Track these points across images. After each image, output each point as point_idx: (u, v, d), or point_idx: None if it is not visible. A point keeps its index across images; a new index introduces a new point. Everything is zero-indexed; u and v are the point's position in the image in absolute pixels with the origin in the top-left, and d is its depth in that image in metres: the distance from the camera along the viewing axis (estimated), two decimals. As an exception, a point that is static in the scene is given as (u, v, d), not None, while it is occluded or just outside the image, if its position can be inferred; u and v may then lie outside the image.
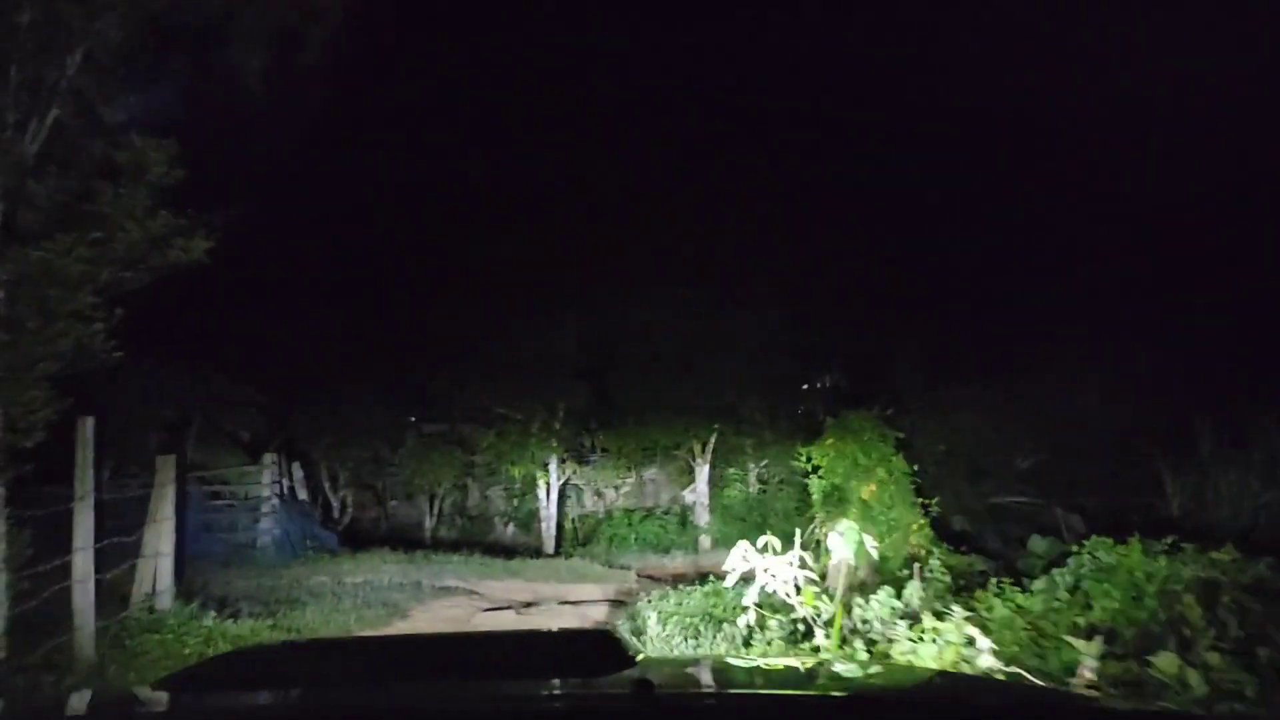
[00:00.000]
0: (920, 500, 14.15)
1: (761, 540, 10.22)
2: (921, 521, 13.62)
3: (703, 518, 25.39)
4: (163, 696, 2.77)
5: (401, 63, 24.58)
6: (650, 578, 20.16)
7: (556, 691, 2.60)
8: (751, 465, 26.85)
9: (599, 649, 3.07)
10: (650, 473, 28.01)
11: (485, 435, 26.09)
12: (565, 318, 24.59)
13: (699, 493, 25.53)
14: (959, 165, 24.75)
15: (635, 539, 24.93)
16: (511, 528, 28.68)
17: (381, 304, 27.23)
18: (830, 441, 13.87)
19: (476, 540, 27.85)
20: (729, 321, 23.82)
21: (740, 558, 9.97)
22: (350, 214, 25.95)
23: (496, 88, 26.76)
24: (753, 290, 23.97)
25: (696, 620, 11.68)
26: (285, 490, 17.99)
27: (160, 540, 11.68)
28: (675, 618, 11.83)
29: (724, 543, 25.03)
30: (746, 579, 9.96)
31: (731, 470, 26.48)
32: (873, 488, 13.21)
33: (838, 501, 13.59)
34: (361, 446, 27.11)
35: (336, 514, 27.22)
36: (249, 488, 17.24)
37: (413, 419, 27.91)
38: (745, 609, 9.95)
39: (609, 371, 25.15)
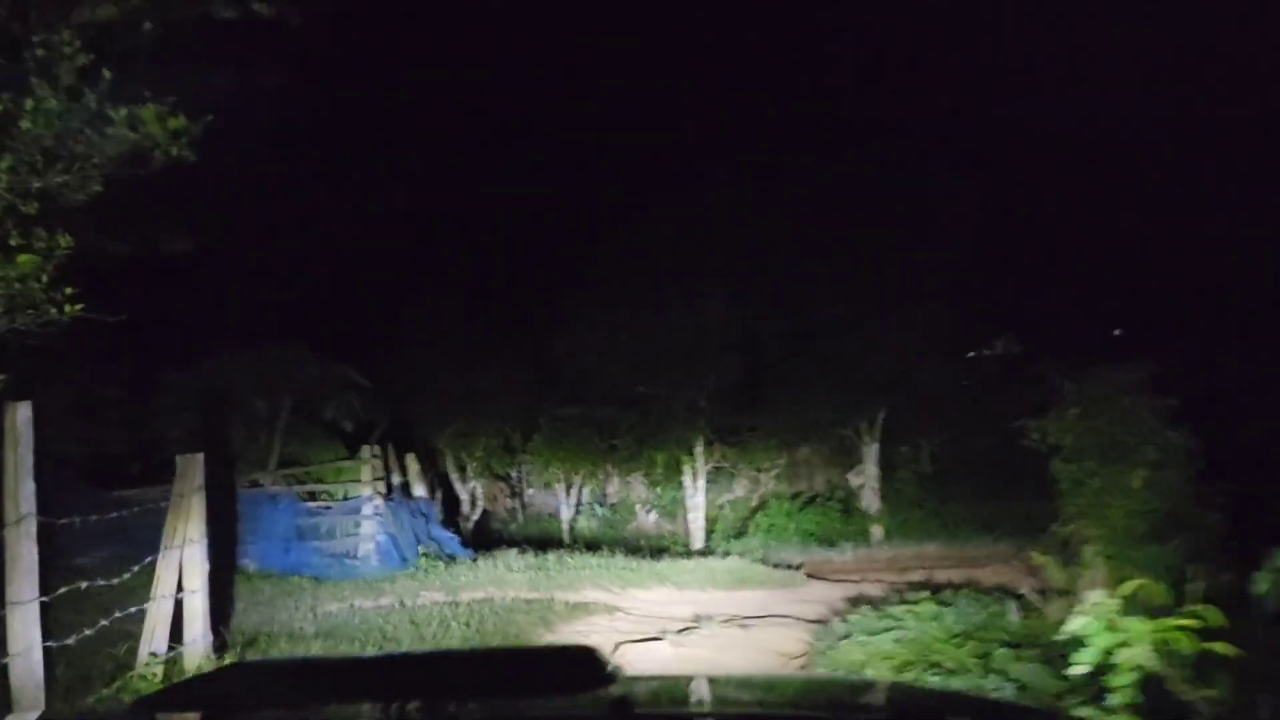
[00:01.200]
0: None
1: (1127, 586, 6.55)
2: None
3: (872, 504, 22.22)
4: (147, 716, 2.81)
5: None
6: (821, 578, 17.19)
7: (532, 711, 2.58)
8: (923, 443, 23.47)
9: (577, 665, 2.93)
10: (803, 451, 24.88)
11: (625, 417, 23.51)
12: (712, 285, 21.73)
13: (867, 475, 22.35)
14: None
15: (795, 530, 21.96)
16: (654, 515, 26.17)
17: (510, 276, 24.99)
18: (1075, 413, 10.58)
19: (617, 534, 25.59)
20: (896, 281, 20.52)
21: (1091, 623, 6.15)
22: (477, 173, 23.73)
23: (641, 39, 24.06)
24: (921, 245, 20.59)
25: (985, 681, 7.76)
26: (395, 487, 15.67)
27: (186, 572, 8.59)
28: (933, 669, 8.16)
29: (899, 534, 21.87)
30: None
31: (904, 449, 23.18)
32: (1142, 475, 9.90)
33: (1096, 495, 10.34)
34: (491, 433, 24.93)
35: (467, 508, 25.18)
36: (349, 486, 14.95)
37: (546, 402, 25.49)
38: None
39: (762, 342, 22.17)
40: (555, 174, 23.95)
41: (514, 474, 26.94)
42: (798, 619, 12.05)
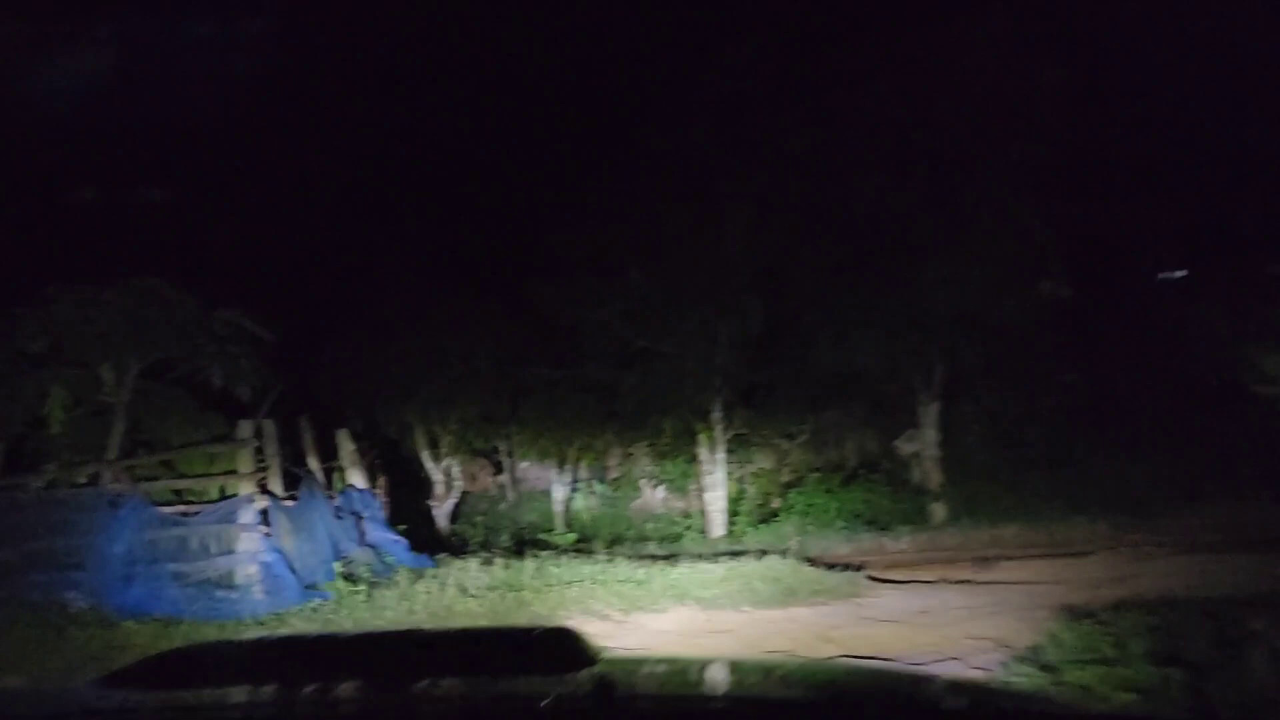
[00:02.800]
0: None
1: None
2: None
3: (931, 477, 18.11)
4: (94, 693, 2.72)
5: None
6: (886, 580, 13.16)
7: (512, 691, 2.53)
8: (992, 400, 19.29)
9: (558, 646, 2.84)
10: (830, 414, 20.70)
11: (627, 378, 19.37)
12: (731, 206, 17.47)
13: (925, 441, 18.21)
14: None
15: (837, 511, 17.87)
16: (662, 491, 22.19)
17: (487, 207, 20.78)
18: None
19: (619, 513, 21.60)
20: (963, 199, 16.27)
21: None
22: (444, 77, 19.41)
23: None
24: (995, 153, 16.32)
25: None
26: (306, 478, 11.26)
27: None
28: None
29: (966, 514, 17.84)
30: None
31: (967, 408, 19.01)
32: None
33: None
34: (469, 401, 20.75)
35: (440, 490, 21.09)
36: (227, 481, 10.57)
37: (535, 362, 21.27)
38: None
39: (792, 278, 17.94)
40: (537, 75, 19.59)
41: (500, 448, 22.88)
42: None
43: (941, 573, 14.84)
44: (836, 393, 19.52)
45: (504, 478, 23.66)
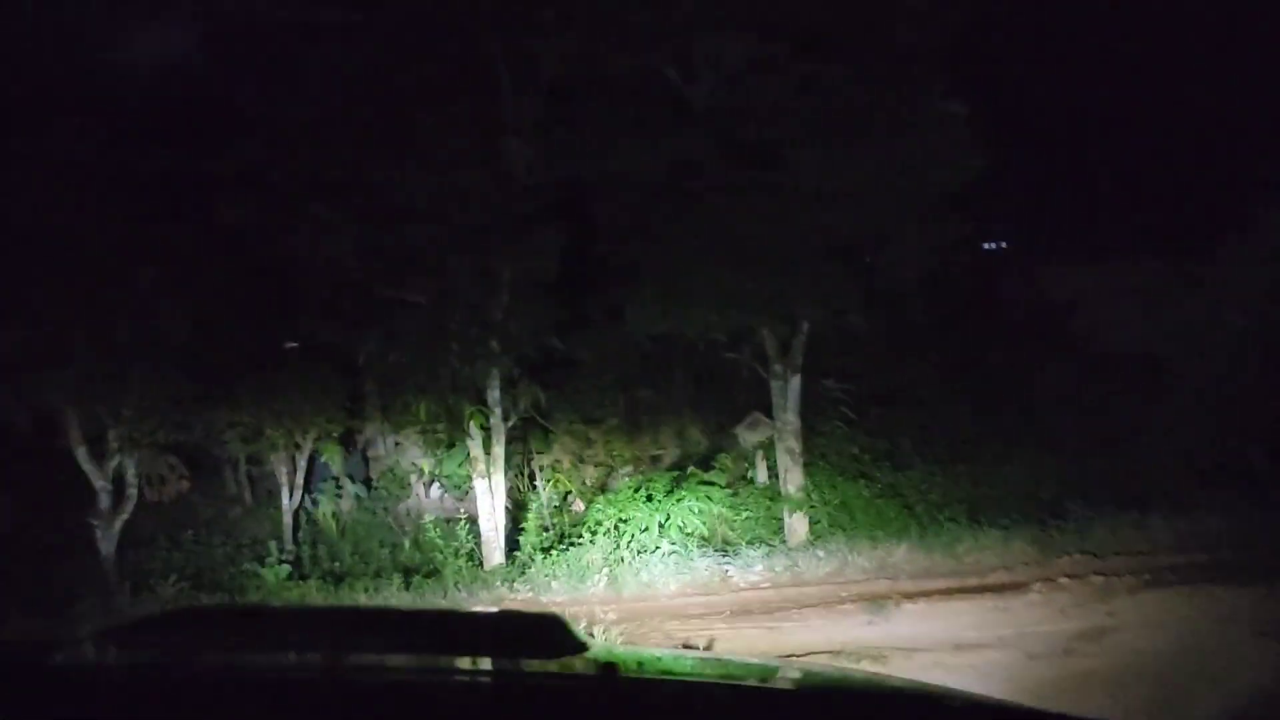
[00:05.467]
0: None
1: None
2: None
3: (792, 477, 13.17)
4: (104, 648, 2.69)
5: None
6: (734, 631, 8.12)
7: (516, 669, 2.45)
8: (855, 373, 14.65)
9: (548, 632, 2.67)
10: (645, 393, 15.63)
11: (365, 341, 13.61)
12: (509, 100, 11.95)
13: (782, 429, 13.26)
14: None
15: (666, 527, 12.69)
16: (438, 490, 16.68)
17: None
18: None
19: (377, 524, 15.87)
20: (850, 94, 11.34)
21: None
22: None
23: None
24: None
25: None
26: None
27: None
28: None
29: (839, 528, 13.09)
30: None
31: (831, 382, 14.29)
32: None
33: None
34: (150, 379, 14.29)
35: (108, 502, 14.60)
36: None
37: (238, 321, 15.04)
38: None
39: (601, 201, 12.63)
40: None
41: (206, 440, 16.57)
42: None
43: (813, 626, 9.98)
44: (661, 363, 14.48)
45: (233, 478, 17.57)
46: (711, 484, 13.62)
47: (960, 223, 11.74)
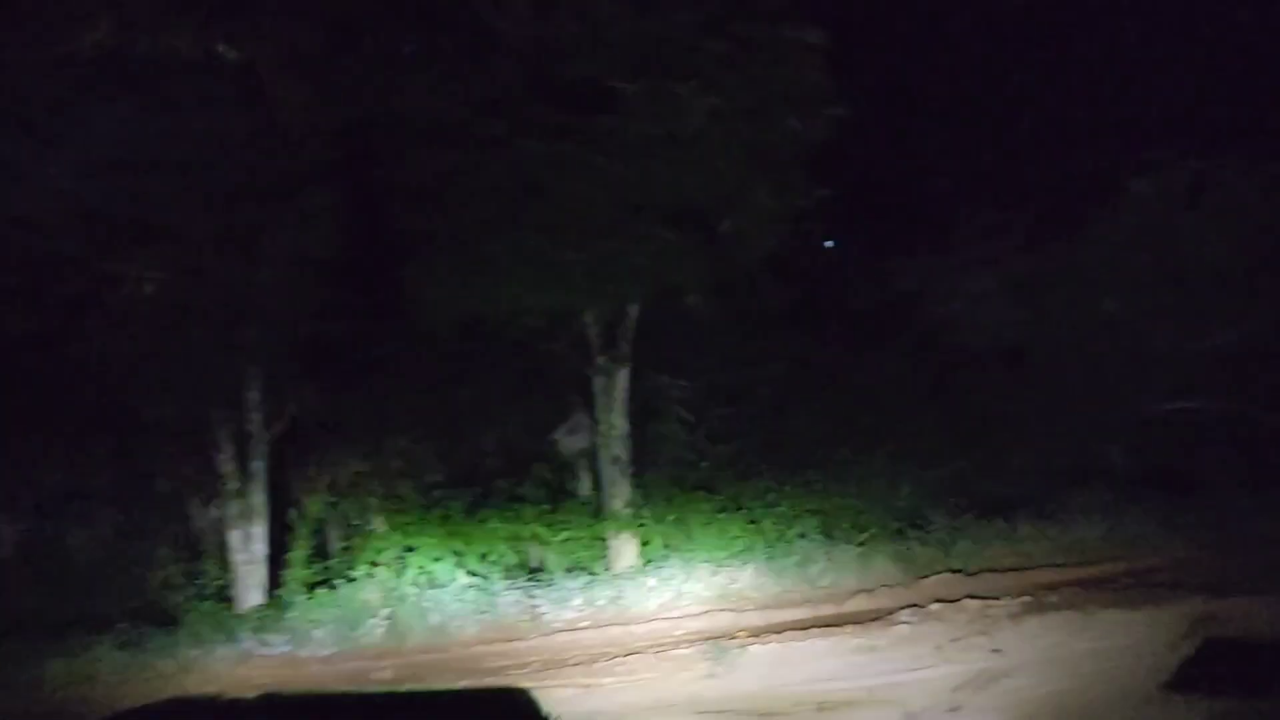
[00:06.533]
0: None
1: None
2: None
3: (618, 491, 11.08)
4: None
5: None
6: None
7: None
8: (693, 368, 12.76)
9: (512, 710, 2.90)
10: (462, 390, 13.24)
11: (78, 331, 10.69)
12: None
13: (609, 433, 11.13)
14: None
15: (465, 555, 10.35)
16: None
17: None
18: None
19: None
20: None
21: None
22: None
23: None
24: None
25: None
26: None
27: None
28: None
29: (673, 550, 11.07)
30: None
31: (666, 378, 12.33)
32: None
33: None
34: None
35: None
36: None
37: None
38: None
39: (395, 155, 10.15)
40: None
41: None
42: None
43: (640, 680, 7.89)
44: (483, 358, 12.18)
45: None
46: (522, 499, 11.40)
47: (816, 187, 9.97)
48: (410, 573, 10.04)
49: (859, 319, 16.05)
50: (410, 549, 10.27)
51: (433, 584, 9.97)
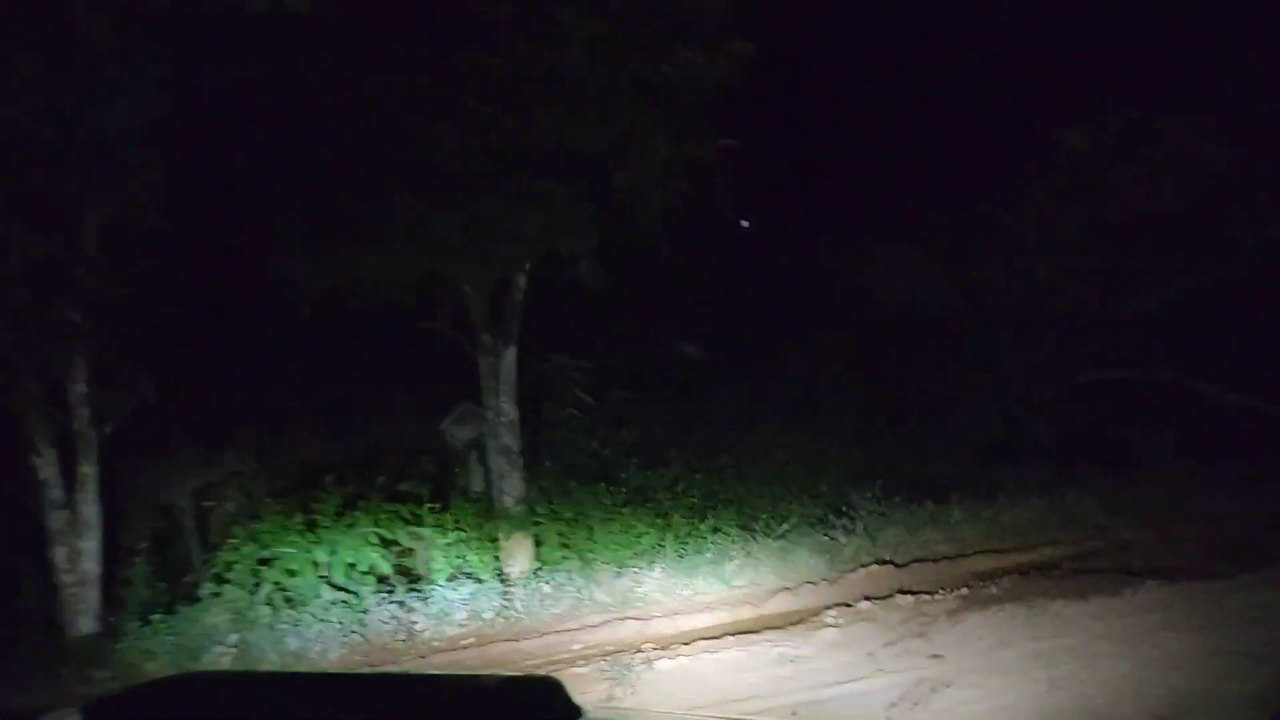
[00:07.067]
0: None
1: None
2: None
3: (509, 486, 9.79)
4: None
5: None
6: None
7: None
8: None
9: (544, 699, 2.71)
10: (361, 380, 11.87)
11: None
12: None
13: (498, 420, 9.82)
14: None
15: (333, 565, 8.97)
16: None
17: None
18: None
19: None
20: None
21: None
22: None
23: None
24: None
25: None
26: None
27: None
28: None
29: (573, 551, 9.83)
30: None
31: (563, 358, 11.11)
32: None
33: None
34: None
35: None
36: None
37: None
38: None
39: (224, 108, 8.66)
40: None
41: None
42: None
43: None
44: (343, 338, 10.85)
45: None
46: (406, 496, 10.05)
47: (720, 136, 8.80)
48: (265, 590, 8.63)
49: (778, 295, 15.08)
50: (266, 561, 8.85)
51: (291, 602, 8.59)
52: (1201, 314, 11.40)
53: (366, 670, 7.78)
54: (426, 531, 9.91)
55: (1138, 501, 10.66)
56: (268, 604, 8.52)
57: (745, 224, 18.84)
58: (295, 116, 7.87)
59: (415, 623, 8.61)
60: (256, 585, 8.72)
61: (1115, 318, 11.77)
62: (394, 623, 8.61)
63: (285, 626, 8.36)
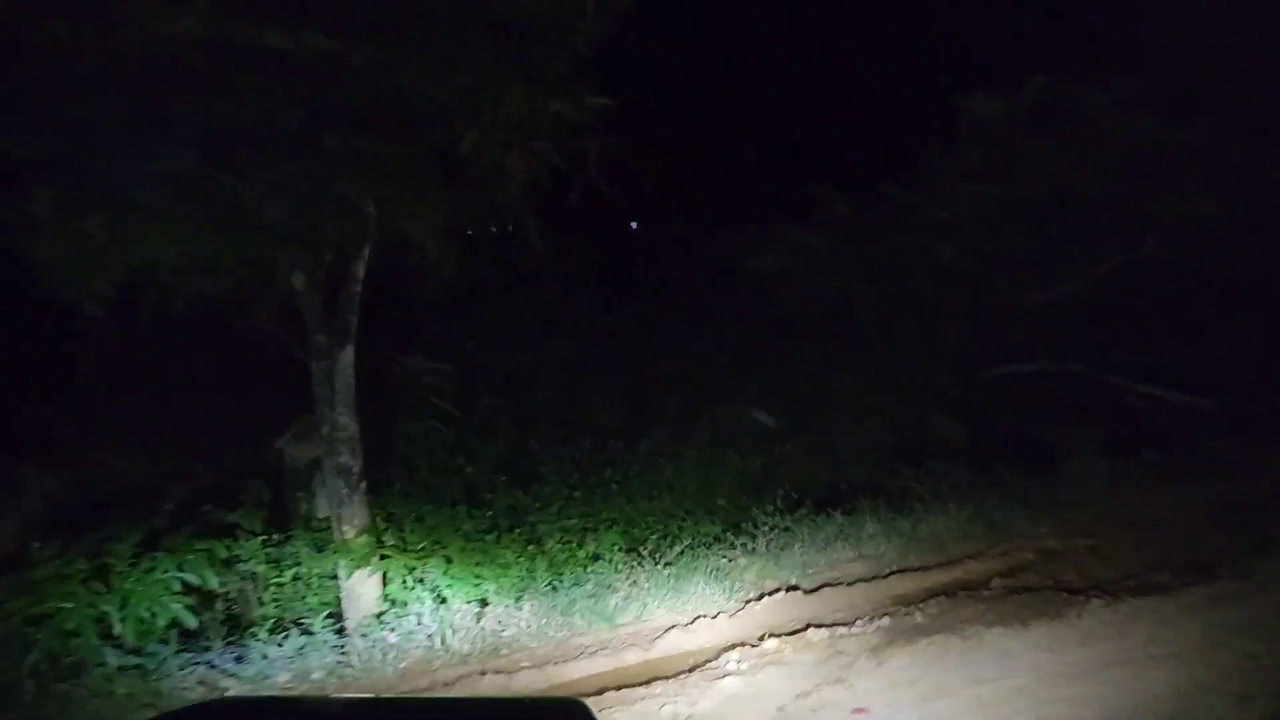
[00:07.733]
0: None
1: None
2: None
3: (350, 514, 8.19)
4: None
5: None
6: None
7: None
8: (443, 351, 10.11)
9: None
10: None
11: None
12: None
13: (335, 435, 8.21)
14: None
15: (125, 621, 7.26)
16: None
17: None
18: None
19: None
20: None
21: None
22: None
23: None
24: None
25: None
26: None
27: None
28: None
29: (428, 588, 8.31)
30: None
31: (417, 359, 9.60)
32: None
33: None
34: None
35: None
36: None
37: None
38: None
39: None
40: None
41: None
42: None
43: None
44: (154, 339, 9.19)
45: None
46: (233, 533, 8.37)
47: (589, 93, 7.43)
48: (32, 657, 6.87)
49: (666, 286, 13.87)
50: (36, 620, 7.08)
51: (65, 672, 6.86)
52: (1120, 301, 10.57)
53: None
54: (264, 569, 8.30)
55: (1061, 506, 9.74)
56: (33, 675, 6.77)
57: (634, 225, 17.77)
58: (43, 60, 6.16)
59: (227, 688, 6.97)
60: (26, 650, 6.95)
61: (1028, 306, 10.86)
62: (200, 689, 6.97)
63: (55, 702, 6.63)
